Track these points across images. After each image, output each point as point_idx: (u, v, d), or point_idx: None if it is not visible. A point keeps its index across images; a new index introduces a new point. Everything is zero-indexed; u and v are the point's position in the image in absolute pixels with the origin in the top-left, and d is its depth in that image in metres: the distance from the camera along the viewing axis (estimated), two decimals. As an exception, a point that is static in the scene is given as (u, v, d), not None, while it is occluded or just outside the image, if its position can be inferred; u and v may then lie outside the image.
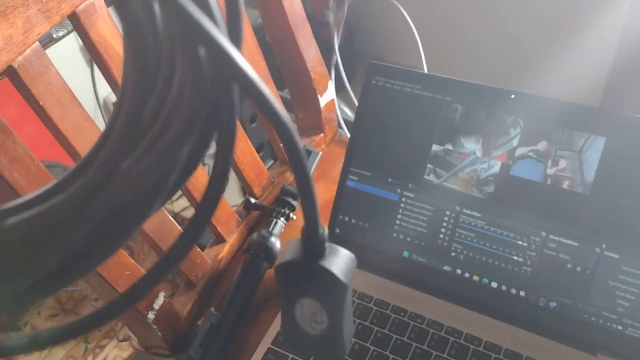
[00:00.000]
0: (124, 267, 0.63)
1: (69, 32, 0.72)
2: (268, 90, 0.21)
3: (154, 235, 0.67)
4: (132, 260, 0.63)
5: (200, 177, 0.73)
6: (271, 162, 1.23)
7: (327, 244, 0.28)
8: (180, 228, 0.72)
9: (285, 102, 0.87)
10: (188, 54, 0.20)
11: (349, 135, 0.95)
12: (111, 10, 0.64)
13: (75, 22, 0.59)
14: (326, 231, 0.28)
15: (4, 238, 0.21)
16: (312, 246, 0.28)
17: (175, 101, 0.21)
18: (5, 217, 0.22)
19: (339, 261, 0.28)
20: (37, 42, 0.55)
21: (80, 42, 1.39)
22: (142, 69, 0.21)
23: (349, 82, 0.99)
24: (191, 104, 0.20)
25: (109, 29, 0.61)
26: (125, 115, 0.21)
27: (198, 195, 0.74)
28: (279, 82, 0.86)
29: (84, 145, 0.59)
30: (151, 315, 0.66)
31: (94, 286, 0.64)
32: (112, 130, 0.22)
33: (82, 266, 0.22)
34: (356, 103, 0.91)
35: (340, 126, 0.96)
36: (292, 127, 0.22)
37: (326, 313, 0.29)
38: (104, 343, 1.52)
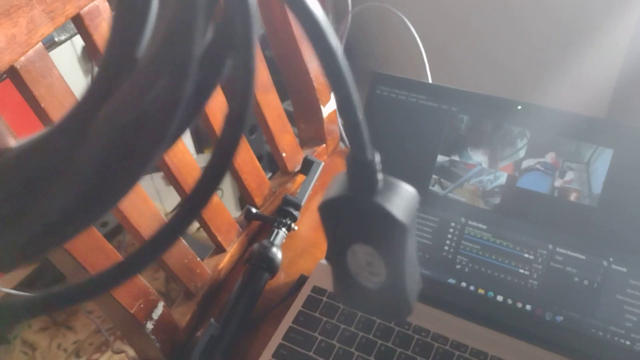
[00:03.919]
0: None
1: (71, 36, 0.71)
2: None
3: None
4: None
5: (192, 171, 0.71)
6: (269, 174, 1.22)
7: (381, 176, 0.23)
8: (180, 237, 0.70)
9: (288, 114, 0.87)
10: None
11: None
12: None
13: (79, 24, 0.58)
14: (378, 157, 0.22)
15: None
16: (360, 178, 0.23)
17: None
18: None
19: (396, 197, 0.23)
20: (40, 44, 0.54)
21: (78, 50, 1.38)
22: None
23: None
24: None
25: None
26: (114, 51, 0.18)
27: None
28: (282, 94, 0.85)
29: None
30: (150, 326, 0.64)
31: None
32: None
33: (87, 214, 0.19)
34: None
35: (342, 137, 0.96)
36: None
37: (384, 262, 0.24)
38: (95, 357, 1.49)
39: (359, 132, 0.21)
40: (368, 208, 0.23)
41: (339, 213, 0.24)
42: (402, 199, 0.23)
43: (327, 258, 0.25)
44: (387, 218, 0.22)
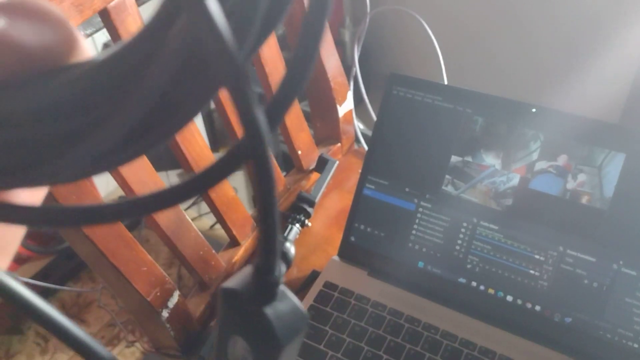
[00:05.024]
0: (142, 263, 0.63)
1: (96, 31, 0.73)
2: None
3: (171, 233, 0.67)
4: (149, 257, 0.63)
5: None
6: (283, 173, 1.24)
7: (281, 288, 0.24)
8: (197, 230, 0.72)
9: (305, 115, 0.88)
10: None
11: (365, 147, 0.95)
12: (141, 9, 0.65)
13: (106, 18, 0.60)
14: (283, 270, 0.23)
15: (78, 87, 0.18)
16: (260, 287, 0.23)
17: None
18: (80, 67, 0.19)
19: (286, 314, 0.24)
20: (69, 36, 0.56)
21: (99, 46, 1.41)
22: None
23: (362, 100, 1.00)
24: None
25: (137, 27, 0.62)
26: None
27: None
28: (298, 95, 0.87)
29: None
30: (165, 314, 0.66)
31: (110, 283, 0.64)
32: None
33: (162, 127, 0.19)
34: (373, 117, 0.92)
35: (357, 137, 0.97)
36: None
37: None
38: (106, 350, 1.51)
39: (274, 243, 0.22)
40: (256, 316, 0.24)
41: (233, 302, 0.25)
42: (288, 319, 0.24)
43: (213, 338, 0.26)
44: (268, 331, 0.24)
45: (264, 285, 0.23)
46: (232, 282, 0.24)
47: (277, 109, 0.19)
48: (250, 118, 0.17)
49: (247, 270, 0.24)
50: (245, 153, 0.19)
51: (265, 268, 0.22)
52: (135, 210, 0.20)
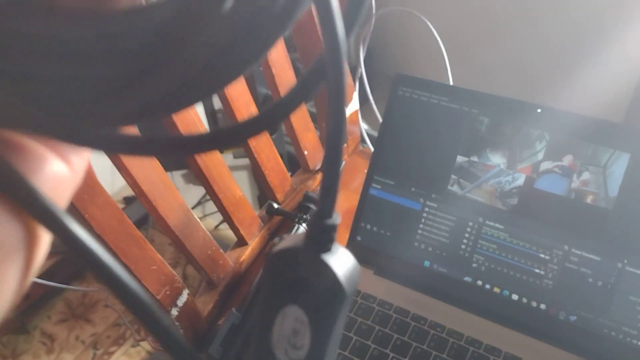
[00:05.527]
0: (151, 262, 0.63)
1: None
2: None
3: (179, 232, 0.68)
4: (159, 255, 0.64)
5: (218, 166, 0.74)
6: (289, 173, 1.24)
7: (335, 242, 0.23)
8: (204, 228, 0.73)
9: (311, 115, 0.89)
10: None
11: (370, 147, 0.96)
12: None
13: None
14: (339, 219, 0.22)
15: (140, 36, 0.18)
16: (318, 235, 0.22)
17: None
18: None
19: (344, 264, 0.23)
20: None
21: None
22: None
23: (367, 101, 1.00)
24: None
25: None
26: None
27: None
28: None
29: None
30: (174, 312, 0.66)
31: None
32: None
33: (219, 76, 0.19)
34: (378, 117, 0.93)
35: (362, 138, 0.98)
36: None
37: (310, 332, 0.24)
38: (112, 350, 1.52)
39: (334, 194, 0.21)
40: (315, 266, 0.23)
41: (286, 267, 0.24)
42: (348, 267, 0.23)
43: (253, 322, 0.23)
44: (330, 280, 0.23)
45: (322, 230, 0.22)
46: (281, 246, 0.23)
47: (352, 12, 0.19)
48: (331, 22, 0.18)
49: (293, 234, 0.24)
50: (323, 69, 0.19)
51: (325, 210, 0.21)
52: (232, 137, 0.20)
